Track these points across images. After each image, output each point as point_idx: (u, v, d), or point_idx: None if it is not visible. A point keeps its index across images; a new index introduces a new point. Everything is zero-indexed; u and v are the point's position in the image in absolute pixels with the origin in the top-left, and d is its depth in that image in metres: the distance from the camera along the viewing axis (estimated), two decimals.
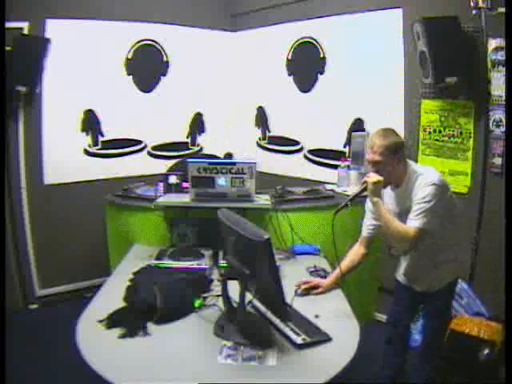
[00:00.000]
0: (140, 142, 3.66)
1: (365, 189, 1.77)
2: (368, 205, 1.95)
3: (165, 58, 3.70)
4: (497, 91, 2.43)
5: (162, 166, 3.52)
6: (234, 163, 2.30)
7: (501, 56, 2.38)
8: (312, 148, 3.54)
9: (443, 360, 2.13)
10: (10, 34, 2.74)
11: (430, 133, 2.75)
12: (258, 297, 1.58)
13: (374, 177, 1.74)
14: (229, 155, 3.77)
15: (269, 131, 3.86)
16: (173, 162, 3.68)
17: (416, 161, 2.85)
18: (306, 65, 3.48)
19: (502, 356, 1.61)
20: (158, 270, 2.04)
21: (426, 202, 1.67)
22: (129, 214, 2.61)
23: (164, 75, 3.71)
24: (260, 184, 2.49)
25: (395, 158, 1.75)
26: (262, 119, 3.89)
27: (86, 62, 3.31)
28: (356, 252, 2.02)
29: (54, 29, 3.11)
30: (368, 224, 2.00)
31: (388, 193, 1.88)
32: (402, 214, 1.79)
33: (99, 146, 3.48)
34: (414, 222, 1.69)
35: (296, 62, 3.57)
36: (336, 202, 2.75)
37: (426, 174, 1.75)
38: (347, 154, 3.23)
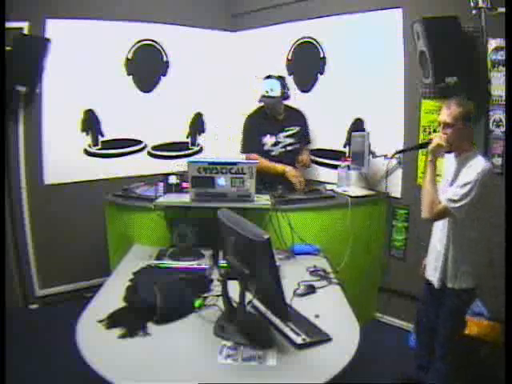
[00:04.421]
0: (140, 142, 3.66)
1: (427, 144, 1.95)
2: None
3: (165, 58, 3.69)
4: (497, 91, 2.43)
5: (162, 166, 3.53)
6: (234, 163, 2.30)
7: (501, 56, 2.38)
8: (311, 148, 3.54)
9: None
10: (10, 34, 2.75)
11: (430, 133, 2.75)
12: (258, 297, 1.58)
13: (440, 138, 1.90)
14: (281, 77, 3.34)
15: None
16: (173, 162, 3.70)
17: (416, 161, 2.86)
18: (306, 65, 3.48)
19: (502, 356, 1.61)
20: (158, 270, 2.04)
21: (465, 187, 1.80)
22: (129, 213, 2.61)
23: (164, 75, 3.71)
24: None
25: (463, 126, 1.87)
26: None
27: (86, 61, 3.30)
28: None
29: (54, 29, 3.10)
30: None
31: (452, 160, 2.01)
32: (454, 183, 1.93)
33: (99, 146, 3.48)
34: (446, 201, 1.83)
35: (296, 62, 3.57)
36: (336, 202, 2.76)
37: (480, 161, 1.86)
38: (347, 154, 3.23)
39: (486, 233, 2.01)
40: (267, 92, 2.95)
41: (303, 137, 3.20)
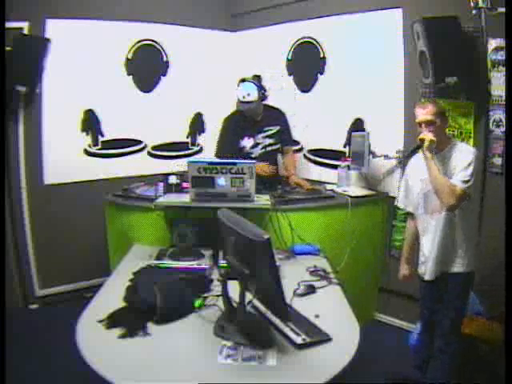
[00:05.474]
0: (140, 142, 3.66)
1: (419, 146, 2.00)
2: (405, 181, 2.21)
3: (165, 58, 3.70)
4: (497, 91, 2.43)
5: (162, 166, 3.53)
6: (234, 163, 2.30)
7: (501, 56, 2.38)
8: (312, 148, 3.54)
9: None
10: (10, 34, 2.75)
11: None
12: (258, 297, 1.58)
13: (429, 134, 1.96)
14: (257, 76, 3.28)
15: None
16: (173, 162, 3.69)
17: None
18: (306, 65, 3.48)
19: (501, 354, 1.61)
20: (158, 270, 2.04)
21: (469, 168, 1.90)
22: (129, 213, 2.61)
23: (164, 75, 3.71)
24: None
25: (442, 122, 1.99)
26: None
27: (86, 61, 3.31)
28: (412, 227, 2.27)
29: (54, 29, 3.11)
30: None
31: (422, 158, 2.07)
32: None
33: (99, 146, 3.48)
34: (462, 184, 1.89)
35: (296, 62, 3.57)
36: (336, 202, 2.76)
37: (466, 146, 2.04)
38: (347, 154, 3.23)
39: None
40: (244, 97, 2.87)
41: (284, 136, 3.14)
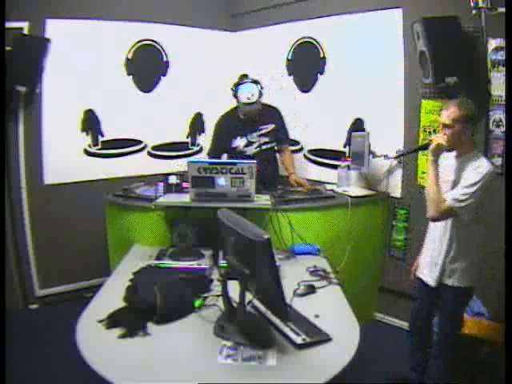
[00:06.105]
0: (140, 142, 3.66)
1: (426, 146, 1.96)
2: None
3: (165, 58, 3.70)
4: (497, 91, 2.43)
5: (162, 166, 3.53)
6: (234, 163, 2.30)
7: (501, 56, 2.38)
8: (312, 148, 3.54)
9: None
10: (10, 34, 2.75)
11: (430, 133, 2.75)
12: (258, 297, 1.58)
13: (439, 138, 1.91)
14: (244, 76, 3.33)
15: None
16: (173, 162, 3.69)
17: (416, 161, 2.86)
18: (306, 65, 3.49)
19: (503, 355, 1.61)
20: (158, 270, 2.04)
21: (470, 187, 1.82)
22: (129, 214, 2.60)
23: (164, 75, 3.71)
24: None
25: (463, 128, 1.88)
26: None
27: (86, 61, 3.31)
28: None
29: (54, 29, 3.11)
30: None
31: (451, 159, 2.00)
32: (456, 183, 1.92)
33: (99, 146, 3.48)
34: (452, 201, 1.84)
35: (296, 62, 3.58)
36: (336, 202, 2.76)
37: (484, 163, 1.89)
38: (347, 154, 3.23)
39: (485, 234, 2.03)
40: (249, 98, 2.85)
41: (279, 134, 3.12)
